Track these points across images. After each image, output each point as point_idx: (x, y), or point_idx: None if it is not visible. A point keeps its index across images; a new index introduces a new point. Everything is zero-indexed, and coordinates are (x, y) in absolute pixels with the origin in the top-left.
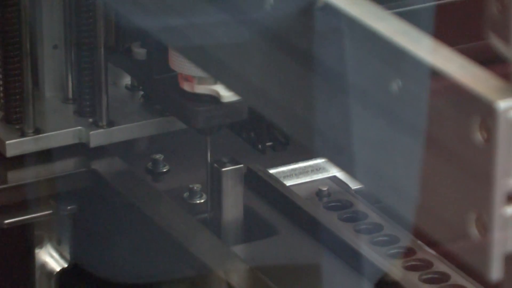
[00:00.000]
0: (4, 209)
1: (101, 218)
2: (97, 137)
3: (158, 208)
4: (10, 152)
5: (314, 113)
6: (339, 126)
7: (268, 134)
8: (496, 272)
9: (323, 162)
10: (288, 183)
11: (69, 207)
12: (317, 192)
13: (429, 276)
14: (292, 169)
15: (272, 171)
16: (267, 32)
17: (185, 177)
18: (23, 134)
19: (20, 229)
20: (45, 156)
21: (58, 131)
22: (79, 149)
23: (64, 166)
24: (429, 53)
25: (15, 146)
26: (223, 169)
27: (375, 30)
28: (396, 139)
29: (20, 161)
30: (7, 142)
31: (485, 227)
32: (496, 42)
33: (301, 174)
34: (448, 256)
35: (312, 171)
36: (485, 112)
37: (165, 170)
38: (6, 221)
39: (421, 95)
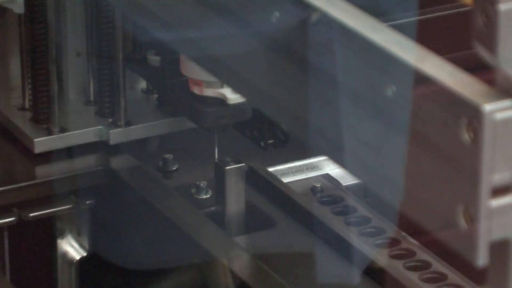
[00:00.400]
0: (29, 203)
1: (117, 211)
2: (116, 135)
3: (168, 203)
4: (38, 149)
5: (314, 114)
6: (338, 126)
7: (269, 133)
8: (482, 259)
9: (316, 161)
10: (285, 180)
11: (87, 202)
12: (311, 188)
13: (412, 264)
14: (289, 167)
15: (271, 169)
16: (272, 42)
17: (192, 175)
18: (49, 133)
19: (43, 221)
20: (66, 154)
21: (81, 130)
22: (97, 148)
23: (83, 164)
24: (421, 61)
25: (42, 143)
26: (227, 168)
27: (372, 41)
28: (390, 138)
29: (44, 158)
30: (36, 139)
31: (472, 218)
32: (482, 51)
33: (297, 172)
34: (430, 246)
35: (307, 169)
36: (472, 114)
37: (174, 168)
38: (31, 214)
39: (412, 100)
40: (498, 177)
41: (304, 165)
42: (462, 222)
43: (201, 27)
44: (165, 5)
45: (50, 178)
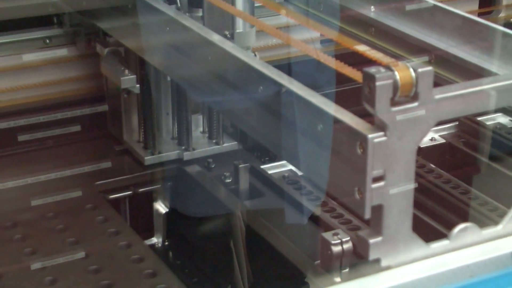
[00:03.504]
0: (139, 184)
1: (183, 188)
2: (187, 155)
3: (209, 183)
4: (147, 163)
5: (283, 140)
6: (295, 146)
7: (266, 154)
8: (368, 214)
9: (285, 163)
10: (270, 172)
11: (169, 183)
12: (283, 176)
13: (334, 214)
14: (271, 166)
15: (262, 166)
16: (262, 103)
17: (222, 169)
18: (153, 154)
19: (146, 193)
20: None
21: (169, 152)
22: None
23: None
24: (336, 112)
25: (149, 160)
26: (239, 166)
27: (312, 102)
28: (321, 152)
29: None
30: (146, 157)
31: (362, 193)
32: (367, 107)
33: (276, 168)
34: (343, 206)
35: (280, 166)
36: (362, 139)
37: (213, 166)
38: (140, 190)
39: (331, 131)
40: (376, 172)
41: (279, 164)
42: (357, 196)
43: (223, 94)
44: (209, 86)
45: (149, 171)
